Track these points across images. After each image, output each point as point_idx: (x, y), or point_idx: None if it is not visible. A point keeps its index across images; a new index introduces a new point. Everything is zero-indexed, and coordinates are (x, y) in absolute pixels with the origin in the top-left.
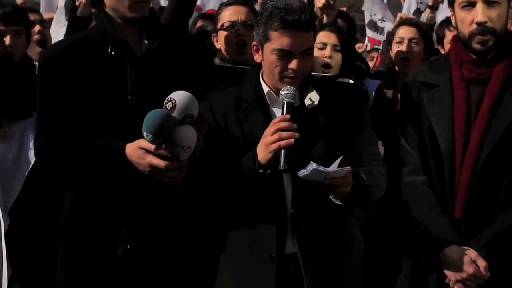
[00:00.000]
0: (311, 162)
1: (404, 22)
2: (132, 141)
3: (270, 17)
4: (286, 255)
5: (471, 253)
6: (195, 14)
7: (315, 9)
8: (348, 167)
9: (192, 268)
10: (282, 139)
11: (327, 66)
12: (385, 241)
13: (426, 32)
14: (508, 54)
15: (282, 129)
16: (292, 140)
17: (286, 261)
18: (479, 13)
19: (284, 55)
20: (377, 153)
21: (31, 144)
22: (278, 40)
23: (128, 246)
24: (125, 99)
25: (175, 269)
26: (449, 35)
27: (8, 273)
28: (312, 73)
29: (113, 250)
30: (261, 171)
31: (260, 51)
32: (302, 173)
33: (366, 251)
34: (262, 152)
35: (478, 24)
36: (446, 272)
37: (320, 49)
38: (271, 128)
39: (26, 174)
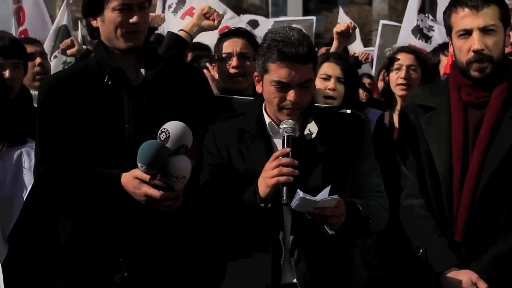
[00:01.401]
0: (298, 190)
1: (402, 48)
2: (129, 169)
3: (269, 49)
4: (284, 285)
5: (472, 276)
6: None
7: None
8: (336, 196)
9: None
10: (282, 175)
11: (330, 97)
12: (387, 269)
13: (424, 60)
14: (505, 77)
15: (283, 165)
16: (292, 178)
17: None
18: (476, 41)
19: (282, 86)
20: (379, 184)
21: (26, 170)
22: (276, 72)
23: (126, 273)
24: (122, 128)
25: None
26: (444, 60)
27: None
28: (315, 104)
29: (110, 277)
30: (262, 205)
31: (261, 82)
32: (293, 203)
33: (368, 279)
34: (262, 186)
35: (475, 52)
36: None
37: (324, 79)
38: (272, 162)
39: (23, 200)
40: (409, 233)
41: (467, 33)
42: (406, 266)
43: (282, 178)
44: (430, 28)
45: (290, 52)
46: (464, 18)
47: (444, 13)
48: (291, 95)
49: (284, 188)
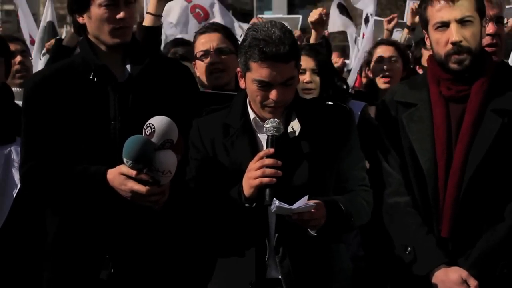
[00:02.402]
0: (274, 199)
1: (382, 41)
2: (115, 166)
3: (250, 48)
4: (269, 280)
5: (461, 273)
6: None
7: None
8: (311, 203)
9: None
10: (265, 176)
11: (307, 89)
12: (369, 262)
13: (404, 51)
14: (484, 69)
15: (267, 166)
16: (275, 180)
17: (270, 286)
18: (454, 33)
19: (264, 85)
20: (363, 178)
21: (16, 168)
22: (257, 71)
23: (112, 270)
24: (108, 125)
25: None
26: (426, 54)
27: None
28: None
29: (97, 274)
30: (246, 204)
31: (244, 78)
32: (272, 208)
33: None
34: (246, 186)
35: (453, 44)
36: None
37: (300, 73)
38: (255, 163)
39: (13, 198)
40: (396, 231)
41: (444, 25)
42: (389, 264)
43: (265, 180)
44: None
45: (271, 52)
46: (441, 11)
47: (420, 6)
48: (273, 94)
49: (267, 189)
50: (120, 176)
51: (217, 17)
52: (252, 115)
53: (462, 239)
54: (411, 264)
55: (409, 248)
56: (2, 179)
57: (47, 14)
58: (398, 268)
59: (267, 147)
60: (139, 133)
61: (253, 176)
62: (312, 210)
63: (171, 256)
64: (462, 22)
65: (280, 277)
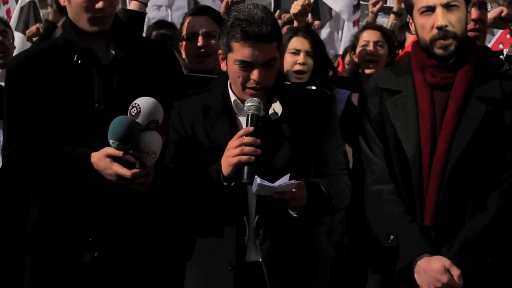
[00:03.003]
0: (256, 176)
1: (368, 26)
2: (99, 148)
3: (232, 28)
4: (249, 263)
5: (444, 262)
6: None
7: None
8: (293, 181)
9: (159, 275)
10: (244, 154)
11: (300, 72)
12: (352, 249)
13: (390, 36)
14: (469, 58)
15: (246, 144)
16: (253, 157)
17: (250, 269)
18: (440, 17)
19: (246, 66)
20: (343, 163)
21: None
22: (239, 51)
23: (96, 253)
24: (92, 107)
25: (143, 276)
26: (410, 38)
27: None
28: (285, 82)
29: (80, 257)
30: (225, 183)
31: (225, 60)
32: (253, 188)
33: (334, 258)
34: (224, 165)
35: (439, 28)
36: (419, 282)
37: (294, 53)
38: (234, 141)
39: None
40: (379, 219)
41: (430, 9)
42: (373, 253)
43: (244, 158)
44: None
45: (254, 32)
46: None
47: None
48: (255, 74)
49: (245, 167)
50: (106, 159)
51: None
52: (233, 97)
53: (445, 227)
54: (394, 252)
55: (391, 236)
56: None
57: None
58: (380, 256)
59: (246, 126)
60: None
61: (231, 154)
62: (294, 189)
63: (154, 238)
64: (448, 6)
65: (260, 259)
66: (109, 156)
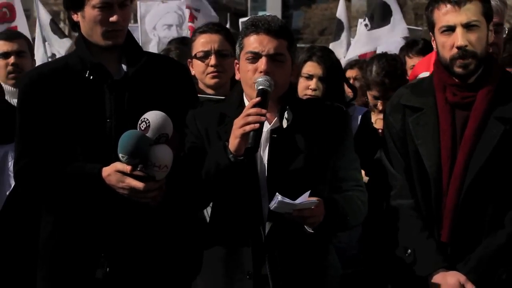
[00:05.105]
0: (277, 194)
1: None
2: (110, 164)
3: (245, 29)
4: (262, 275)
5: (460, 278)
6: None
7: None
8: (315, 198)
9: None
10: (248, 123)
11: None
12: (368, 265)
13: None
14: (490, 77)
15: (250, 114)
16: (257, 125)
17: (263, 281)
18: (459, 37)
19: (254, 57)
20: (359, 179)
21: (11, 168)
22: (248, 44)
23: (108, 269)
24: (104, 123)
25: None
26: (409, 62)
27: None
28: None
29: (92, 273)
30: (230, 156)
31: (238, 66)
32: (271, 205)
33: (349, 275)
34: (231, 139)
35: (459, 48)
36: None
37: (307, 78)
38: (241, 114)
39: (5, 198)
40: (397, 233)
41: (450, 29)
42: (390, 266)
43: (248, 127)
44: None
45: (263, 25)
46: (447, 14)
47: (426, 8)
48: (261, 63)
49: (251, 132)
50: (117, 174)
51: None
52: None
53: (461, 244)
54: (411, 266)
55: (409, 251)
56: None
57: (43, 12)
58: (397, 270)
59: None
60: None
61: (237, 126)
62: (313, 207)
63: (165, 252)
64: (468, 26)
65: (268, 273)
66: (119, 171)
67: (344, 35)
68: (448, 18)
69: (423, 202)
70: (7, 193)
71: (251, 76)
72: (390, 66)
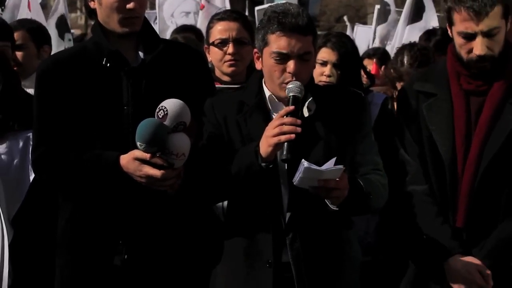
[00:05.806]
0: (303, 160)
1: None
2: (128, 151)
3: (268, 21)
4: (281, 263)
5: (475, 263)
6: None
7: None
8: (341, 166)
9: (189, 276)
10: (284, 133)
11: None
12: (386, 252)
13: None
14: (507, 65)
15: (286, 124)
16: (293, 135)
17: (282, 269)
18: (479, 46)
19: (282, 58)
20: (378, 163)
21: None
22: (275, 43)
23: (126, 256)
24: (121, 110)
25: (172, 278)
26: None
27: (8, 282)
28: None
29: (110, 260)
30: (263, 164)
31: (260, 58)
32: (296, 177)
33: (368, 263)
34: (263, 145)
35: (478, 55)
36: (451, 282)
37: (321, 64)
38: (275, 121)
39: (29, 183)
40: (411, 219)
41: (470, 36)
42: (406, 251)
43: (283, 137)
44: None
45: (290, 23)
46: (466, 21)
47: (445, 1)
48: (290, 66)
49: (285, 144)
50: (135, 162)
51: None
52: (267, 93)
53: (476, 229)
54: (426, 252)
55: (424, 236)
56: (19, 164)
57: (57, 6)
58: (412, 256)
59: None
60: None
61: (271, 134)
62: (337, 178)
63: (184, 240)
64: (488, 35)
65: (290, 260)
66: (137, 159)
67: (391, 18)
68: (467, 25)
69: (437, 187)
70: (30, 177)
71: (279, 76)
72: (422, 56)
